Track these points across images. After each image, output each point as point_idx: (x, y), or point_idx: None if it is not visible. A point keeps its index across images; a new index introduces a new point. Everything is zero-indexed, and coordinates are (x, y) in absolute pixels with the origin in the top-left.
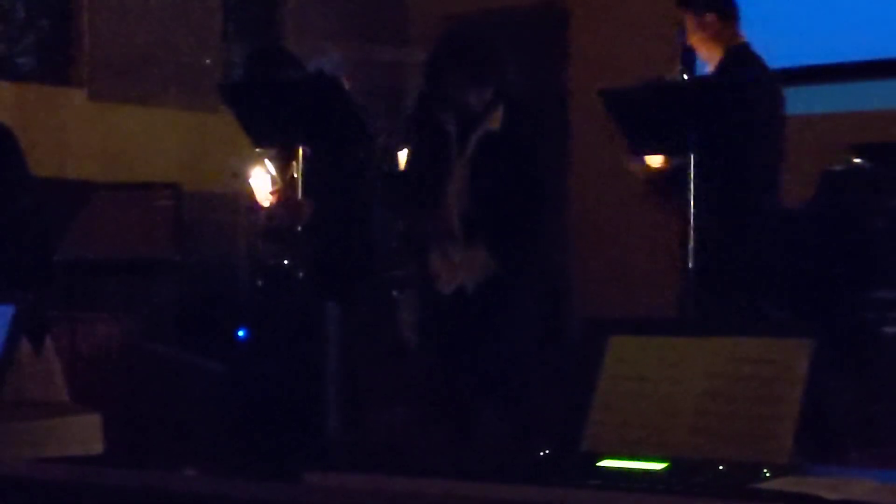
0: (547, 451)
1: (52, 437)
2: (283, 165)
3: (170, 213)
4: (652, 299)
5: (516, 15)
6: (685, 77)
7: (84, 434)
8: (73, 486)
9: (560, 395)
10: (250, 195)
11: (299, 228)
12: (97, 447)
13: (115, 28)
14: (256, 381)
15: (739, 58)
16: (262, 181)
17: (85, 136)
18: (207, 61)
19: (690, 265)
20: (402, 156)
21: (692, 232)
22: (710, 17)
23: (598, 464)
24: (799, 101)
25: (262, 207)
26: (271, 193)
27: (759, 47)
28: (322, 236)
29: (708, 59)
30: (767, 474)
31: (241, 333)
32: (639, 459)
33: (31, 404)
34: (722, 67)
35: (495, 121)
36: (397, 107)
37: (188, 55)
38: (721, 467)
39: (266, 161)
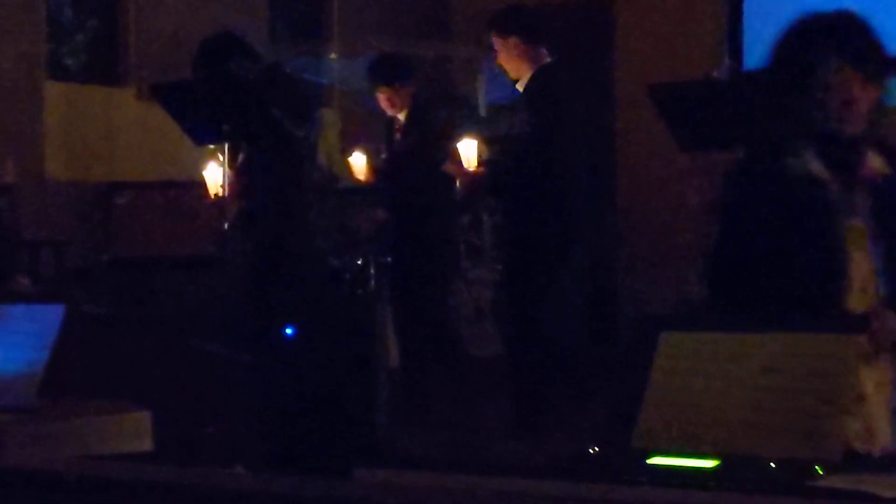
0: (596, 448)
1: (102, 434)
2: (233, 159)
3: (215, 210)
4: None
5: (560, 10)
6: (733, 72)
7: (134, 431)
8: (123, 483)
9: (610, 392)
10: (203, 189)
11: (226, 226)
12: (147, 444)
13: (163, 28)
14: (306, 377)
15: (545, 75)
16: (214, 174)
17: (132, 135)
18: None
19: None
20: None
21: None
22: (513, 40)
23: (647, 461)
24: None
25: (211, 201)
26: (221, 187)
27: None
28: (253, 235)
29: (515, 76)
30: (820, 472)
31: (289, 330)
32: (689, 456)
33: (81, 402)
34: (529, 85)
35: None
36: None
37: None
38: (773, 465)
39: (219, 155)
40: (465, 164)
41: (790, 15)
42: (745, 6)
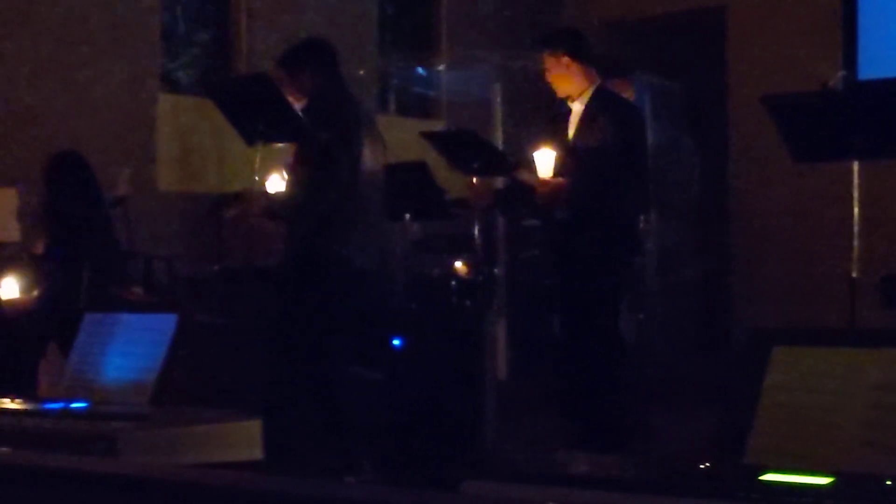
0: (707, 464)
1: (213, 442)
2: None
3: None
4: (817, 309)
5: (673, 19)
6: (848, 82)
7: (245, 440)
8: (233, 491)
9: (722, 406)
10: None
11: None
12: (257, 453)
13: (271, 41)
14: (413, 389)
15: (606, 97)
16: (545, 158)
17: (242, 146)
18: (361, 72)
19: (854, 275)
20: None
21: (856, 242)
22: (565, 59)
23: (760, 477)
24: None
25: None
26: None
27: None
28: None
29: (564, 94)
30: None
31: (396, 342)
32: (803, 473)
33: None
34: (589, 105)
35: None
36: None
37: (343, 65)
38: (889, 482)
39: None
40: (541, 174)
41: None
42: (860, 16)
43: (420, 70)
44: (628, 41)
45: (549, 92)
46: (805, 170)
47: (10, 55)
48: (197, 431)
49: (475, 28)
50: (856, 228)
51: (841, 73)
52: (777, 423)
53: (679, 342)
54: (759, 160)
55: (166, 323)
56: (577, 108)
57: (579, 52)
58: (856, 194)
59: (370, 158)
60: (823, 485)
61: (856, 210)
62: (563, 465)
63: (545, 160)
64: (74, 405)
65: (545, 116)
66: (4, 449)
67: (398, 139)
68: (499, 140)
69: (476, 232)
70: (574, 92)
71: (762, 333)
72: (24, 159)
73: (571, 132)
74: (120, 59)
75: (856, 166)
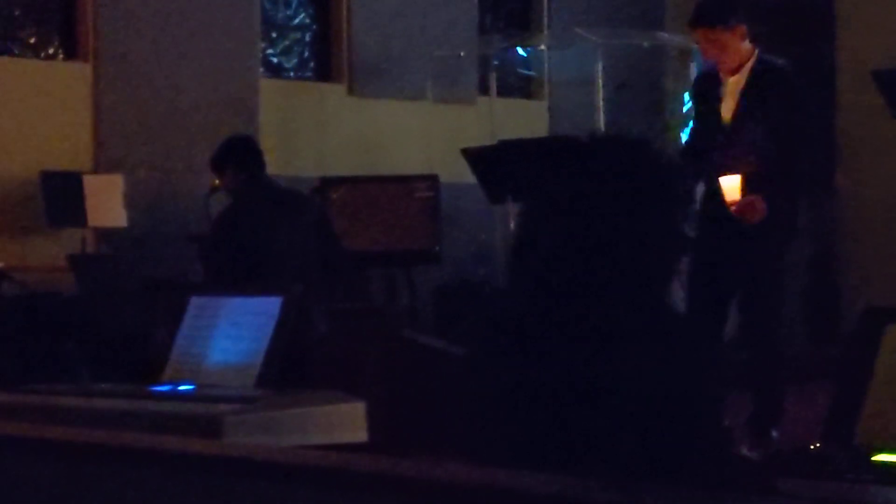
0: (818, 445)
1: (318, 424)
2: None
3: (428, 204)
4: None
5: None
6: None
7: (349, 422)
8: (338, 473)
9: (834, 387)
10: None
11: None
12: (362, 435)
13: (373, 24)
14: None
15: (766, 62)
16: (730, 183)
17: (345, 130)
18: (462, 54)
19: None
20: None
21: None
22: (740, 30)
23: (872, 458)
24: None
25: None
26: None
27: None
28: None
29: (734, 66)
30: None
31: None
32: None
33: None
34: (754, 74)
35: None
36: (656, 92)
37: (444, 48)
38: None
39: None
40: (729, 199)
41: None
42: None
43: (520, 50)
44: None
45: (652, 70)
46: None
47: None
48: (302, 414)
49: (575, 6)
50: None
51: None
52: (890, 404)
53: (790, 323)
54: (868, 137)
55: (272, 305)
56: (734, 81)
57: (745, 19)
58: None
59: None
60: None
61: None
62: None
63: (731, 185)
64: (181, 388)
65: (696, 97)
66: (112, 431)
67: (500, 121)
68: (600, 121)
69: None
70: (737, 65)
71: (875, 312)
72: (128, 147)
73: (728, 108)
74: (221, 43)
75: None
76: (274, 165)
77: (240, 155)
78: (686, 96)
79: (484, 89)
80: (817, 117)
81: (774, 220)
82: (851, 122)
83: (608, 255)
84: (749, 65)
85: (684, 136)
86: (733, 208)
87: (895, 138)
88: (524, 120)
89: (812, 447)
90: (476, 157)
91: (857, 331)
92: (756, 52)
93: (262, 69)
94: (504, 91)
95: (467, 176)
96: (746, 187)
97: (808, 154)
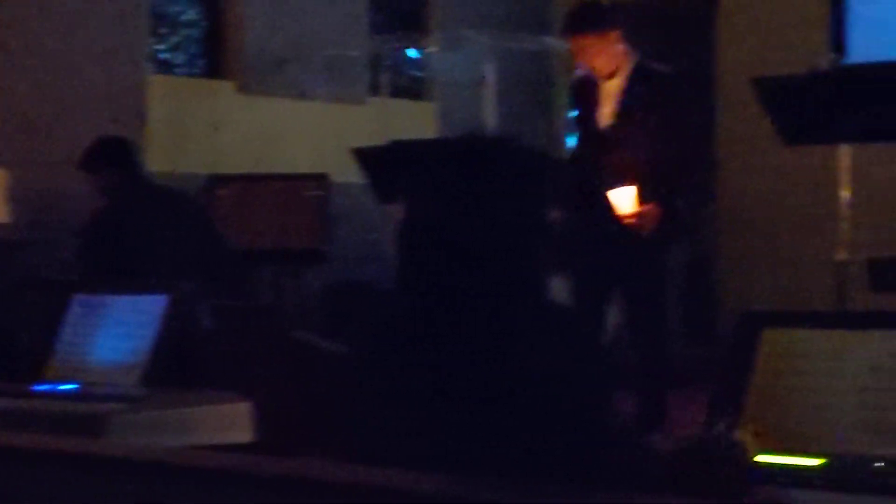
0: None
1: (204, 424)
2: None
3: (318, 203)
4: (805, 293)
5: (663, 2)
6: (837, 65)
7: (235, 422)
8: (222, 474)
9: (712, 390)
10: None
11: None
12: (248, 435)
13: (264, 22)
14: None
15: (644, 67)
16: (623, 195)
17: (235, 128)
18: (353, 53)
19: (842, 258)
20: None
21: (844, 223)
22: (614, 34)
23: (752, 459)
24: None
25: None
26: None
27: None
28: None
29: (609, 72)
30: None
31: None
32: (794, 455)
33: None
34: (632, 78)
35: None
36: (540, 95)
37: (335, 48)
38: (880, 464)
39: None
40: (623, 211)
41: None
42: None
43: (412, 51)
44: None
45: (539, 73)
46: (794, 153)
47: None
48: (188, 413)
49: (466, 9)
50: (843, 212)
51: (830, 56)
52: (768, 406)
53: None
54: (747, 144)
55: (158, 303)
56: (612, 85)
57: (622, 24)
58: (844, 177)
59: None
60: (815, 466)
61: (844, 193)
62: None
63: (625, 197)
64: (64, 387)
65: (574, 103)
66: None
67: (390, 122)
68: (491, 122)
69: None
70: (615, 69)
71: (752, 316)
72: (11, 141)
73: (606, 113)
74: (108, 39)
75: (845, 149)
76: (163, 163)
77: (116, 154)
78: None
79: (375, 89)
80: (698, 123)
81: (662, 230)
82: (731, 128)
83: (486, 253)
84: (627, 69)
85: (572, 141)
86: (631, 220)
87: (774, 144)
88: (414, 121)
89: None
90: (366, 157)
91: (734, 335)
92: (634, 56)
93: (150, 65)
94: (395, 91)
95: (357, 176)
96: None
97: (688, 158)
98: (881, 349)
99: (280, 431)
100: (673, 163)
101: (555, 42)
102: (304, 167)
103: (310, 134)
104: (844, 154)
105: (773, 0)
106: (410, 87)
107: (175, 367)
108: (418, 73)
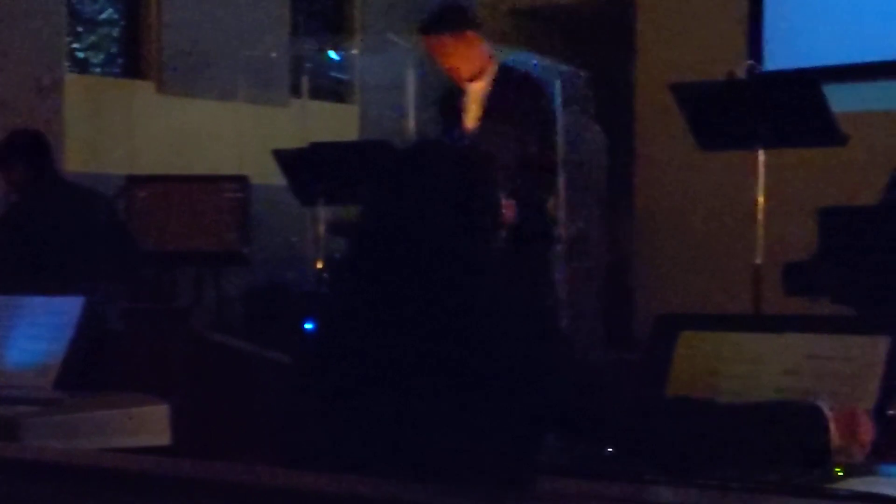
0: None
1: (120, 427)
2: None
3: (238, 205)
4: (722, 296)
5: (582, 7)
6: (753, 71)
7: (152, 425)
8: (140, 476)
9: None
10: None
11: None
12: (165, 438)
13: (184, 22)
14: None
15: (508, 69)
16: None
17: (153, 128)
18: (274, 55)
19: (758, 261)
20: None
21: (760, 228)
22: (469, 35)
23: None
24: (870, 97)
25: None
26: None
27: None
28: None
29: (470, 75)
30: (840, 473)
31: (308, 326)
32: None
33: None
34: (498, 81)
35: None
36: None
37: (256, 49)
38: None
39: None
40: None
41: (811, 15)
42: (766, 6)
43: (333, 53)
44: (537, 29)
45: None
46: (711, 158)
47: None
48: (103, 416)
49: (390, 11)
50: (760, 216)
51: (747, 63)
52: None
53: (586, 329)
54: (666, 148)
55: (73, 305)
56: (477, 88)
57: (479, 25)
58: (760, 182)
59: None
60: None
61: (760, 198)
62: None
63: None
64: None
65: (440, 109)
66: None
67: (312, 124)
68: (412, 126)
69: None
70: (478, 71)
71: (669, 319)
72: None
73: (472, 116)
74: (25, 37)
75: (760, 155)
76: (80, 163)
77: (28, 151)
78: None
79: (296, 91)
80: (616, 128)
81: (532, 229)
82: (650, 133)
83: (441, 250)
84: (490, 72)
85: None
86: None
87: (691, 150)
88: (336, 123)
89: (608, 450)
90: (287, 159)
91: (651, 337)
92: (498, 59)
93: (68, 64)
94: (316, 94)
95: (278, 178)
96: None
97: (552, 162)
98: (796, 352)
99: (198, 434)
100: (536, 165)
101: None
102: (224, 169)
103: (230, 135)
104: (760, 159)
105: (692, 6)
106: (332, 89)
107: (88, 369)
108: (340, 76)
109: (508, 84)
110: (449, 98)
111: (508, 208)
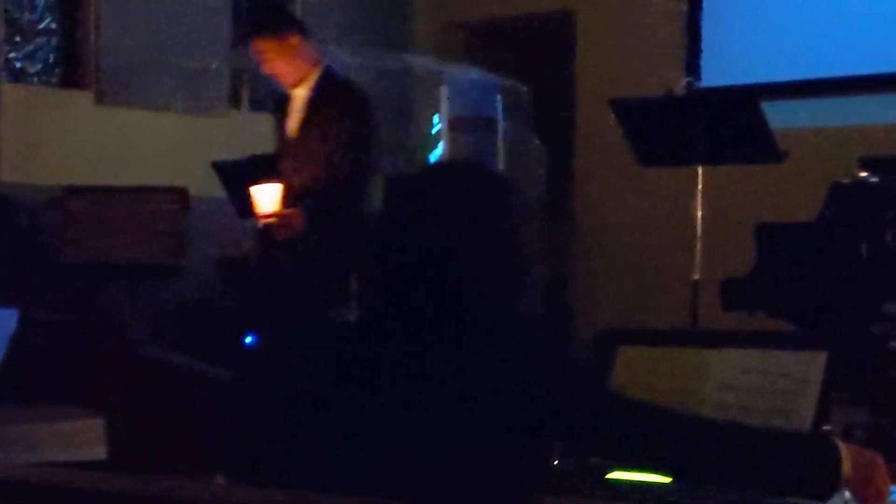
0: (557, 462)
1: (54, 440)
2: None
3: (175, 217)
4: (661, 310)
5: (522, 22)
6: (691, 88)
7: (87, 439)
8: (74, 491)
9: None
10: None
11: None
12: (100, 452)
13: (122, 32)
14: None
15: (331, 76)
16: (266, 193)
17: (90, 139)
18: (214, 65)
19: (696, 277)
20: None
21: (698, 244)
22: (293, 39)
23: (606, 476)
24: (808, 114)
25: (261, 217)
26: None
27: (768, 58)
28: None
29: (294, 80)
30: None
31: (248, 340)
32: (647, 472)
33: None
34: (319, 87)
35: None
36: (402, 114)
37: (196, 60)
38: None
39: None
40: (264, 210)
41: (749, 31)
42: (704, 24)
43: None
44: (477, 43)
45: (401, 92)
46: (650, 173)
47: None
48: (37, 430)
49: (328, 25)
50: (698, 232)
51: (685, 80)
52: None
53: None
54: (604, 164)
55: (6, 318)
56: (301, 94)
57: (305, 29)
58: (699, 199)
59: None
60: (667, 483)
61: (698, 214)
62: None
63: (267, 195)
64: None
65: (275, 114)
66: None
67: (251, 136)
68: None
69: None
70: (301, 77)
71: (607, 334)
72: None
73: (294, 123)
74: None
75: (699, 171)
76: (15, 173)
77: None
78: (435, 118)
79: (236, 102)
80: (557, 143)
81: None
82: (590, 148)
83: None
84: (313, 78)
85: (433, 157)
86: (269, 220)
87: (631, 165)
88: (275, 135)
89: (553, 464)
90: (226, 171)
91: (591, 352)
92: (323, 65)
93: (4, 74)
94: (255, 105)
95: (217, 190)
96: (289, 200)
97: (360, 172)
98: (734, 367)
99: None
100: (336, 176)
101: (416, 59)
102: (162, 180)
103: (169, 146)
104: (699, 175)
105: (630, 22)
106: (272, 100)
107: (21, 383)
108: (280, 88)
109: (329, 93)
110: (281, 98)
111: (295, 217)
